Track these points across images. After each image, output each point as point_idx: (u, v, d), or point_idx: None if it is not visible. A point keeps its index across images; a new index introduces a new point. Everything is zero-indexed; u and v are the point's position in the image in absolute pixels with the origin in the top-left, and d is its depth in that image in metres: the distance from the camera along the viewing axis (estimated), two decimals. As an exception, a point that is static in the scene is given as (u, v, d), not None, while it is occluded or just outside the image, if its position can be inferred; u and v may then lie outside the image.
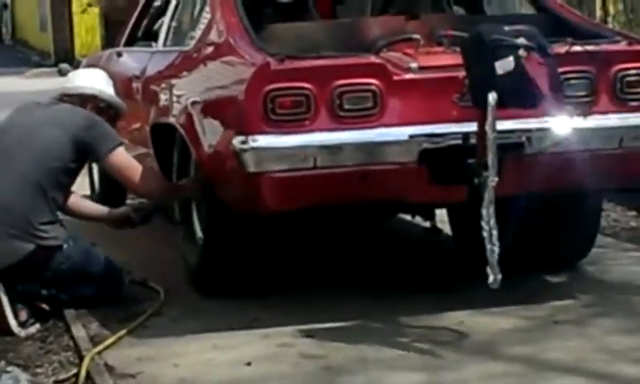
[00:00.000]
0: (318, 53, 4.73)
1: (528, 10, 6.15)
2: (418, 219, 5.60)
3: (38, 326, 4.80)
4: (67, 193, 5.10)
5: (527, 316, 4.71)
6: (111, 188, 7.39)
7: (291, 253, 5.25)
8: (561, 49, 4.65)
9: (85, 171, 6.14)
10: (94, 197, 7.46)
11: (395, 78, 4.59)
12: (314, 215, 4.93)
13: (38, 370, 4.29)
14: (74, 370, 4.25)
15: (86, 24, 19.80)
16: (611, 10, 9.34)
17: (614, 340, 4.37)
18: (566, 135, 4.58)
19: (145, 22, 6.80)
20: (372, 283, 5.32)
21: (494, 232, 4.35)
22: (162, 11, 6.44)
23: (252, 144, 4.47)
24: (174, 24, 6.13)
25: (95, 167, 7.54)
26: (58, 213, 5.02)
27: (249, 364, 4.24)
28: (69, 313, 4.92)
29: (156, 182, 5.23)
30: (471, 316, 4.71)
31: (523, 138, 4.64)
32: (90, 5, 19.30)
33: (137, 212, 5.32)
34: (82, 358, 4.34)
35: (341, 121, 4.53)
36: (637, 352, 4.21)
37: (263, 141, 4.47)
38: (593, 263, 5.49)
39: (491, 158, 4.35)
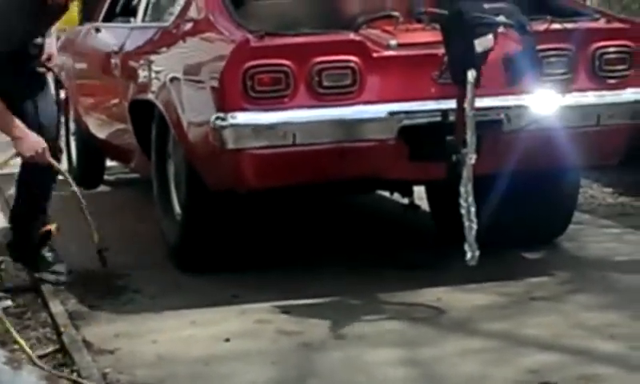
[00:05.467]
0: (297, 30, 4.73)
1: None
2: (396, 196, 5.60)
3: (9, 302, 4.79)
4: None
5: (504, 292, 4.74)
6: (89, 164, 7.41)
7: (269, 229, 5.25)
8: (540, 26, 4.66)
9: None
10: (71, 172, 7.45)
11: (374, 55, 4.59)
12: (292, 191, 4.93)
13: (16, 347, 4.28)
14: (52, 347, 4.24)
15: (64, -2, 19.65)
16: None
17: (590, 316, 4.40)
18: (544, 113, 4.60)
19: (123, -3, 6.76)
20: (349, 260, 5.33)
21: (472, 209, 4.37)
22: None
23: (231, 121, 4.46)
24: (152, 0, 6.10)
25: (73, 142, 7.53)
26: None
27: (227, 340, 4.24)
28: (47, 288, 4.92)
29: None
30: (449, 292, 4.72)
31: (502, 116, 4.65)
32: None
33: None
34: (59, 334, 4.33)
35: (320, 98, 4.53)
36: (612, 328, 4.23)
37: (242, 118, 4.47)
38: (570, 240, 5.51)
39: (470, 135, 4.37)
